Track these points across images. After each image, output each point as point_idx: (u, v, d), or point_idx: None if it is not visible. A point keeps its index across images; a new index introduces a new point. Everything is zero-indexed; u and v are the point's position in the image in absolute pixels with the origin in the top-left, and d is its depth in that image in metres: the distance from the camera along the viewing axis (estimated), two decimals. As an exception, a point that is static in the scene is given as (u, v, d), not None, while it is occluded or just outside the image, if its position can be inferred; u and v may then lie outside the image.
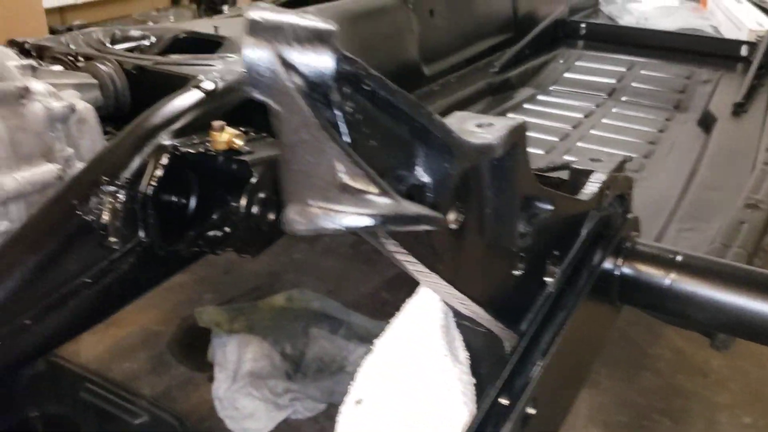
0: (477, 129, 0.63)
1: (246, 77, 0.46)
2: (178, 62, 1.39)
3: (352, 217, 0.44)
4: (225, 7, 6.66)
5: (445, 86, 2.26)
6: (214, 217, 1.19)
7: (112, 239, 1.06)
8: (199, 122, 1.21)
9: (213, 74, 1.30)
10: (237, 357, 1.91)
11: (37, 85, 1.17)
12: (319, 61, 0.46)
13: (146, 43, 1.61)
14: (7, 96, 1.10)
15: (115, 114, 1.38)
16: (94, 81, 1.35)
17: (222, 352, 1.93)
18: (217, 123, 1.13)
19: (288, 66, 0.45)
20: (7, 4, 5.01)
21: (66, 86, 1.28)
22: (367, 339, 2.05)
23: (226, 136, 1.10)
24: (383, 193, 0.43)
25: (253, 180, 1.10)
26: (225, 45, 1.56)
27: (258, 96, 0.46)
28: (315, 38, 0.45)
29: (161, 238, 1.12)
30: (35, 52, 1.47)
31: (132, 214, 1.08)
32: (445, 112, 2.07)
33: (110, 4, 6.54)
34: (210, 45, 1.58)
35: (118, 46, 1.56)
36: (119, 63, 1.39)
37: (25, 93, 1.13)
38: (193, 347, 2.07)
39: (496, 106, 2.25)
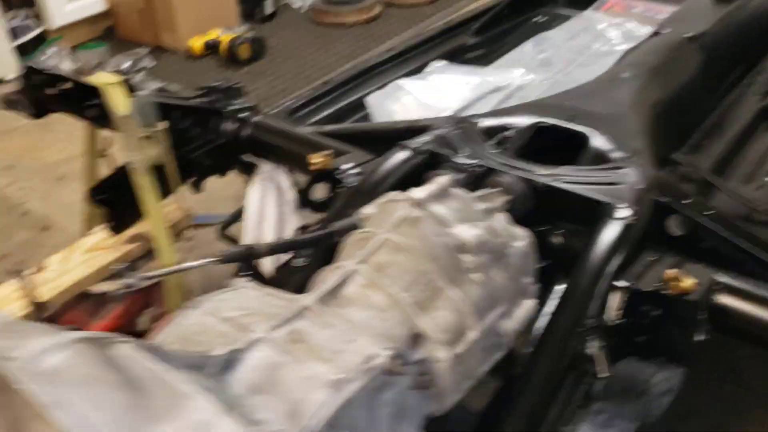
0: None
1: None
2: (576, 180, 1.51)
3: None
4: None
5: (722, 117, 2.36)
6: None
7: (599, 369, 1.32)
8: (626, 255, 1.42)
9: (624, 198, 1.48)
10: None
11: (507, 229, 1.37)
12: None
13: (509, 135, 1.75)
14: (503, 250, 1.32)
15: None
16: (507, 197, 1.53)
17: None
18: (672, 272, 1.34)
19: None
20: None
21: (489, 212, 1.46)
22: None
23: (689, 283, 1.32)
24: None
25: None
26: (589, 146, 1.66)
27: None
28: None
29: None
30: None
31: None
32: (736, 147, 2.16)
33: None
34: (570, 140, 1.68)
35: (490, 144, 1.71)
36: (524, 178, 1.53)
37: (510, 241, 1.34)
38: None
39: (773, 134, 2.35)
